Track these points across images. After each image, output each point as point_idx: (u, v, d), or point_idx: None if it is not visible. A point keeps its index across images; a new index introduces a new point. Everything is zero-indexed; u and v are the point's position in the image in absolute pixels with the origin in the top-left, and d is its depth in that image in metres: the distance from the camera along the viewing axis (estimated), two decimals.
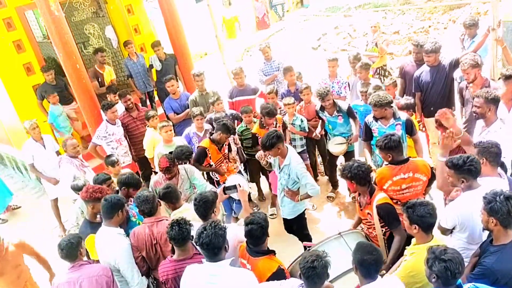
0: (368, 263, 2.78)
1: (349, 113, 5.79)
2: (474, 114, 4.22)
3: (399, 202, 3.90)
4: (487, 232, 3.13)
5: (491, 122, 4.06)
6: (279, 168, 4.68)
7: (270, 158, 4.89)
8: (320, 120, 6.09)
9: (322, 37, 12.79)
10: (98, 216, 4.24)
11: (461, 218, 3.26)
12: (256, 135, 5.84)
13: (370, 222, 3.86)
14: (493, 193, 2.85)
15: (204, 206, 3.65)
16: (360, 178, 3.73)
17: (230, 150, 5.79)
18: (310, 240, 4.81)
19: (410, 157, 4.15)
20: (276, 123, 5.81)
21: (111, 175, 5.08)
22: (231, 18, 9.30)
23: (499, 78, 6.00)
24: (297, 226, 4.94)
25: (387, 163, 4.08)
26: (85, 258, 3.71)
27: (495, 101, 4.05)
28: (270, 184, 6.20)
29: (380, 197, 3.73)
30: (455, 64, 5.49)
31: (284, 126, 5.98)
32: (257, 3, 15.98)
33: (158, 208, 4.01)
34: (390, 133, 4.20)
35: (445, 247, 2.65)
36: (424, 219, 3.01)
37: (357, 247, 2.89)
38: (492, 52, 5.54)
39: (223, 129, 5.29)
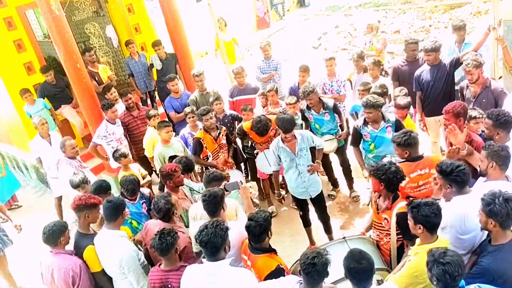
0: (355, 271, 2.75)
1: (335, 109, 5.79)
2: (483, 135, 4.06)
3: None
4: (479, 237, 3.16)
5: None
6: (295, 155, 4.83)
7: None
8: (303, 123, 6.07)
9: (323, 36, 12.79)
10: (91, 227, 4.09)
11: (452, 220, 3.24)
12: (248, 134, 5.82)
13: (383, 227, 3.77)
14: (492, 194, 2.81)
15: (214, 202, 3.65)
16: (393, 183, 3.62)
17: (229, 142, 5.78)
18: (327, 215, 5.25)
19: (423, 153, 4.13)
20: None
21: (113, 175, 5.09)
22: (230, 41, 9.11)
23: (500, 77, 6.02)
24: (321, 199, 5.17)
25: (403, 160, 4.05)
26: None
27: (505, 125, 3.81)
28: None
29: (402, 205, 3.60)
30: (455, 63, 5.48)
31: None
32: (258, 2, 15.96)
33: (173, 216, 3.99)
34: (408, 129, 4.19)
35: (445, 249, 2.63)
36: (429, 219, 2.99)
37: (347, 255, 2.87)
38: (493, 51, 5.52)
39: (201, 113, 5.50)
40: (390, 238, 3.72)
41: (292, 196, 5.33)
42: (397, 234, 3.67)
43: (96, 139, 6.41)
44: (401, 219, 3.54)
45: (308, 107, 5.79)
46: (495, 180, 3.32)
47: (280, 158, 4.96)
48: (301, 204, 5.21)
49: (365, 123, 4.97)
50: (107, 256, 3.77)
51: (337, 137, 5.81)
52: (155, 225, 3.95)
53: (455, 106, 4.24)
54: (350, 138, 6.28)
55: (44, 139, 6.54)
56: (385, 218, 3.71)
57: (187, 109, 6.05)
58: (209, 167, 5.74)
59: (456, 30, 6.12)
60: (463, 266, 2.54)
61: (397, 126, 4.84)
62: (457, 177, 3.24)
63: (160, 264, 3.45)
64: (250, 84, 6.96)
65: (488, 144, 3.46)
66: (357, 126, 5.07)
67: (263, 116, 5.55)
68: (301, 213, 5.27)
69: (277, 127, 5.04)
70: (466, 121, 4.29)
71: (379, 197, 3.82)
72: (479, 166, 3.56)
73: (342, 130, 5.91)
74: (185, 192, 4.78)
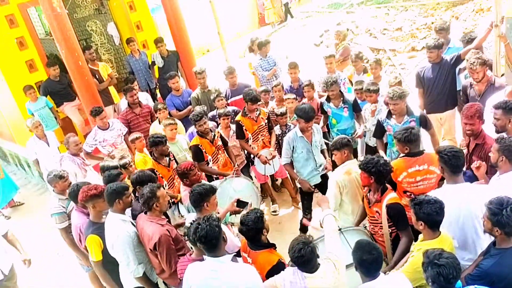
0: (368, 262, 2.77)
1: (355, 106, 5.72)
2: (494, 127, 4.00)
3: (412, 195, 3.87)
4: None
5: None
6: (311, 145, 5.00)
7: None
8: (322, 116, 6.05)
9: (324, 33, 12.74)
10: (104, 216, 4.12)
11: None
12: (240, 122, 5.77)
13: (377, 220, 3.78)
14: (499, 203, 2.77)
15: (199, 197, 3.69)
16: (382, 176, 3.64)
17: (224, 143, 5.74)
18: None
19: (424, 149, 4.13)
20: (259, 114, 5.78)
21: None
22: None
23: (502, 75, 6.00)
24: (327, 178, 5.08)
25: (403, 155, 4.06)
26: None
27: None
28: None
29: (391, 197, 3.65)
30: (456, 60, 5.47)
31: (269, 118, 5.93)
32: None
33: (154, 208, 3.85)
34: (409, 126, 4.19)
35: (441, 250, 2.63)
36: (430, 217, 3.00)
37: (356, 246, 2.88)
38: (495, 49, 5.50)
39: (194, 119, 5.35)
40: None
41: (299, 188, 5.37)
42: (390, 226, 3.71)
43: (85, 147, 6.34)
44: (392, 210, 3.59)
45: (328, 99, 5.76)
46: (506, 173, 3.35)
47: (293, 149, 5.04)
48: (307, 194, 5.31)
49: (389, 116, 4.93)
50: (107, 236, 3.90)
51: (354, 136, 5.71)
52: (140, 218, 3.93)
53: (471, 108, 4.14)
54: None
55: (41, 139, 6.53)
56: (377, 211, 3.75)
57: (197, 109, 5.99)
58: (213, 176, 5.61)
59: (437, 32, 6.03)
60: (458, 269, 2.53)
61: (422, 120, 4.80)
62: (445, 156, 3.30)
63: (191, 254, 3.46)
64: (241, 83, 6.91)
65: (500, 138, 3.46)
66: (380, 119, 5.05)
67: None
68: (305, 202, 5.39)
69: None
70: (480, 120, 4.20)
71: (369, 191, 3.85)
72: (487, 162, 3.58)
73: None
74: None
